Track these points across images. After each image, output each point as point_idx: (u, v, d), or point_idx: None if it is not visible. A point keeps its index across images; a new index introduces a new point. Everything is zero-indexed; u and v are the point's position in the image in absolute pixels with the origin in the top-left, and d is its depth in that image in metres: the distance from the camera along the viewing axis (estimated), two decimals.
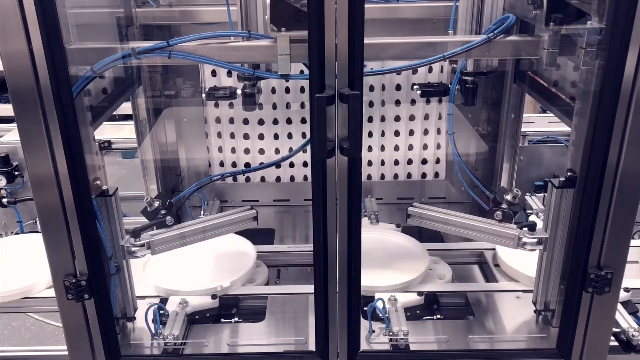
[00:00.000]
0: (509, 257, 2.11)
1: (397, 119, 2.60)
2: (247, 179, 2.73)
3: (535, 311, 1.90)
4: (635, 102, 1.43)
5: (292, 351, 1.79)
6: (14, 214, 2.61)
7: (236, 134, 2.60)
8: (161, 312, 1.87)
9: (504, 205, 1.82)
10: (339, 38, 1.40)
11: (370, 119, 2.58)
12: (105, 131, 3.07)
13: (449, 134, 2.36)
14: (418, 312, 1.95)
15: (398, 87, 2.54)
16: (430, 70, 2.48)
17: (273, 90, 2.53)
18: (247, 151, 2.63)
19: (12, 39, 1.34)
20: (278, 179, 2.72)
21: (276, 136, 2.61)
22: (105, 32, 2.04)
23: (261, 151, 2.63)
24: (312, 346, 1.77)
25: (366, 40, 1.41)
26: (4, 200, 2.56)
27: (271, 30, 1.55)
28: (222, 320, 1.96)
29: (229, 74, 2.45)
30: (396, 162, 2.69)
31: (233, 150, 2.64)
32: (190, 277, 2.05)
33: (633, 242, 1.63)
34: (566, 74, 1.91)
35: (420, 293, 1.96)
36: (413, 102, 2.57)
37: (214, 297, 1.96)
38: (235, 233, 2.18)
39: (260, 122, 2.58)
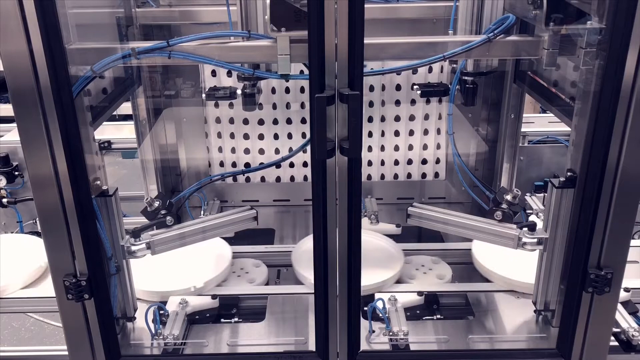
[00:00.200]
0: (483, 257, 2.11)
1: (397, 119, 2.60)
2: (247, 179, 2.73)
3: (535, 311, 1.90)
4: (635, 102, 1.43)
5: (292, 351, 1.79)
6: (14, 214, 2.61)
7: (236, 134, 2.60)
8: (161, 312, 1.87)
9: (504, 205, 1.82)
10: (339, 38, 1.40)
11: (370, 119, 2.58)
12: (105, 131, 3.07)
13: (449, 134, 2.36)
14: (418, 312, 1.95)
15: (398, 87, 2.54)
16: (430, 70, 2.48)
17: (273, 90, 2.53)
18: (247, 151, 2.64)
19: (12, 39, 1.34)
20: (278, 179, 2.72)
21: (276, 136, 2.61)
22: (105, 32, 2.04)
23: (261, 151, 2.63)
24: (312, 346, 1.77)
25: (366, 40, 1.40)
26: (4, 200, 2.56)
27: (271, 30, 1.55)
28: (222, 320, 1.96)
29: (229, 74, 2.46)
30: (396, 162, 2.69)
31: (233, 150, 2.64)
32: (165, 277, 2.04)
33: (633, 242, 1.63)
34: (566, 74, 1.91)
35: (420, 293, 1.96)
36: (413, 102, 2.57)
37: (214, 297, 1.97)
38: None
39: (260, 122, 2.59)
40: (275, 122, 2.59)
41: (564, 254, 1.72)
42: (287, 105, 2.55)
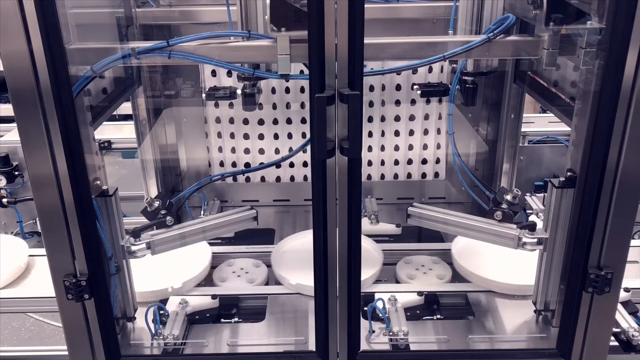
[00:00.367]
0: (461, 257, 2.11)
1: (397, 119, 2.60)
2: (247, 179, 2.73)
3: (535, 311, 1.90)
4: (635, 102, 1.43)
5: (292, 351, 1.79)
6: (14, 214, 2.61)
7: (236, 134, 2.60)
8: (161, 312, 1.87)
9: (504, 205, 1.82)
10: (339, 38, 1.40)
11: (370, 119, 2.58)
12: (105, 131, 3.08)
13: (449, 134, 2.36)
14: (418, 312, 1.95)
15: (398, 87, 2.54)
16: (430, 70, 2.48)
17: (273, 90, 2.53)
18: (247, 151, 2.64)
19: (12, 39, 1.34)
20: (278, 179, 2.72)
21: (276, 136, 2.61)
22: (105, 32, 2.04)
23: (261, 151, 2.63)
24: (312, 346, 1.77)
25: (366, 40, 1.40)
26: (4, 200, 2.56)
27: (271, 30, 1.55)
28: (222, 320, 1.96)
29: (229, 74, 2.46)
30: (396, 162, 2.69)
31: (233, 150, 2.64)
32: (144, 278, 2.01)
33: (633, 242, 1.64)
34: (566, 74, 1.91)
35: (420, 293, 1.96)
36: (413, 102, 2.57)
37: (214, 297, 1.97)
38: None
39: (260, 122, 2.59)
40: (275, 122, 2.59)
41: (564, 254, 1.72)
42: (287, 105, 2.55)
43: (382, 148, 2.65)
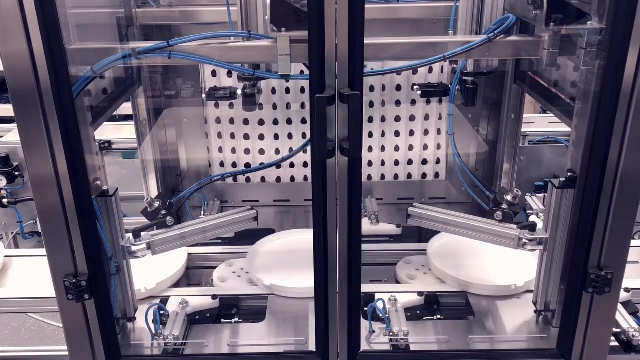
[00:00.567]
0: (436, 258, 2.12)
1: (397, 119, 2.60)
2: (247, 179, 2.73)
3: (535, 311, 1.90)
4: (635, 102, 1.43)
5: (292, 351, 1.79)
6: (14, 214, 2.61)
7: (236, 134, 2.60)
8: (161, 312, 1.87)
9: (504, 205, 1.82)
10: (339, 38, 1.40)
11: (370, 119, 2.58)
12: (105, 131, 3.08)
13: (449, 134, 2.36)
14: (418, 312, 1.95)
15: (398, 87, 2.54)
16: (430, 70, 2.48)
17: (273, 90, 2.53)
18: (247, 151, 2.64)
19: (12, 39, 1.34)
20: (278, 179, 2.72)
21: (276, 136, 2.61)
22: (105, 32, 2.04)
23: (261, 151, 2.63)
24: (312, 346, 1.77)
25: (366, 40, 1.40)
26: (4, 200, 2.55)
27: (271, 30, 1.55)
28: (222, 320, 1.96)
29: (229, 74, 2.46)
30: (396, 162, 2.69)
31: (233, 150, 2.64)
32: None
33: (633, 242, 1.64)
34: (566, 74, 1.91)
35: (420, 293, 1.96)
36: (413, 102, 2.57)
37: (214, 297, 1.97)
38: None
39: (260, 122, 2.59)
40: (275, 122, 2.59)
41: (564, 254, 1.72)
42: (287, 105, 2.55)
43: (382, 148, 2.65)
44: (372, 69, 2.14)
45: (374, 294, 1.94)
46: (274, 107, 2.56)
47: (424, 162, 2.70)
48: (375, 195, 2.71)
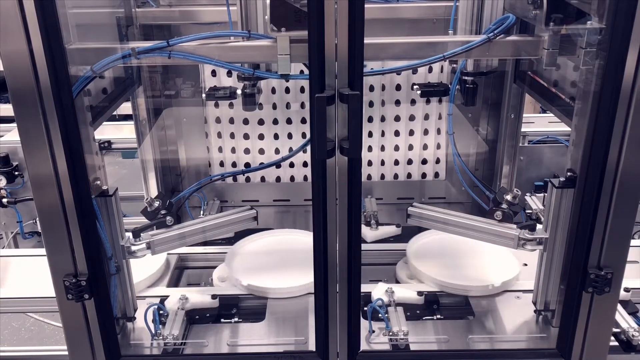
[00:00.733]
0: (414, 258, 2.12)
1: (397, 119, 2.60)
2: (247, 179, 2.73)
3: (535, 311, 1.90)
4: (635, 102, 1.43)
5: (292, 351, 1.79)
6: (14, 214, 2.60)
7: (236, 134, 2.60)
8: (161, 312, 1.87)
9: (504, 205, 1.83)
10: (339, 38, 1.40)
11: (370, 119, 2.58)
12: (105, 131, 3.08)
13: (449, 134, 2.36)
14: (418, 312, 1.95)
15: (398, 87, 2.54)
16: (430, 70, 2.48)
17: (273, 90, 2.53)
18: (247, 151, 2.64)
19: (12, 39, 1.34)
20: (278, 179, 2.72)
21: (276, 136, 2.61)
22: (105, 32, 2.04)
23: (261, 151, 2.63)
24: (312, 346, 1.77)
25: (366, 40, 1.40)
26: (4, 200, 2.55)
27: (271, 30, 1.55)
28: (222, 320, 1.96)
29: (229, 74, 2.46)
30: (396, 162, 2.69)
31: (233, 150, 2.64)
32: None
33: (633, 242, 1.63)
34: (566, 74, 1.91)
35: (420, 293, 1.96)
36: (413, 102, 2.57)
37: (214, 297, 1.96)
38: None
39: (260, 122, 2.59)
40: (275, 122, 2.59)
41: (564, 254, 1.72)
42: (287, 105, 2.55)
43: (382, 148, 2.65)
44: (372, 69, 2.14)
45: (370, 294, 1.94)
46: (274, 107, 2.56)
47: (424, 162, 2.70)
48: (375, 195, 2.71)
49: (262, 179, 2.72)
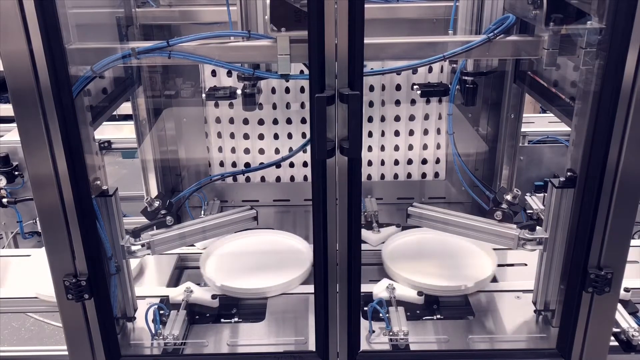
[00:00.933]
0: (389, 259, 2.13)
1: (397, 119, 2.60)
2: (247, 179, 2.73)
3: (535, 311, 1.90)
4: (635, 102, 1.43)
5: (292, 351, 1.79)
6: (14, 214, 2.61)
7: (236, 134, 2.60)
8: (161, 312, 1.87)
9: (504, 205, 1.83)
10: (339, 38, 1.40)
11: (370, 119, 2.58)
12: (105, 131, 3.08)
13: (449, 134, 2.36)
14: (418, 312, 1.95)
15: (398, 87, 2.54)
16: (430, 70, 2.48)
17: (273, 90, 2.53)
18: (247, 151, 2.64)
19: (12, 39, 1.34)
20: (278, 179, 2.72)
21: (276, 136, 2.61)
22: (105, 32, 2.04)
23: (261, 151, 2.63)
24: (312, 346, 1.78)
25: (366, 40, 1.40)
26: (4, 200, 2.55)
27: (271, 30, 1.55)
28: (222, 320, 1.96)
29: (229, 74, 2.46)
30: (396, 162, 2.69)
31: (233, 150, 2.64)
32: None
33: (633, 242, 1.63)
34: (566, 74, 1.91)
35: (420, 293, 1.96)
36: (413, 102, 2.57)
37: (214, 297, 1.96)
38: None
39: (260, 122, 2.59)
40: (275, 122, 2.59)
41: (564, 254, 1.72)
42: (287, 105, 2.55)
43: (382, 148, 2.65)
44: (372, 69, 2.14)
45: (372, 294, 1.95)
46: (274, 107, 2.56)
47: (424, 162, 2.70)
48: (375, 195, 2.71)
49: (262, 179, 2.72)
